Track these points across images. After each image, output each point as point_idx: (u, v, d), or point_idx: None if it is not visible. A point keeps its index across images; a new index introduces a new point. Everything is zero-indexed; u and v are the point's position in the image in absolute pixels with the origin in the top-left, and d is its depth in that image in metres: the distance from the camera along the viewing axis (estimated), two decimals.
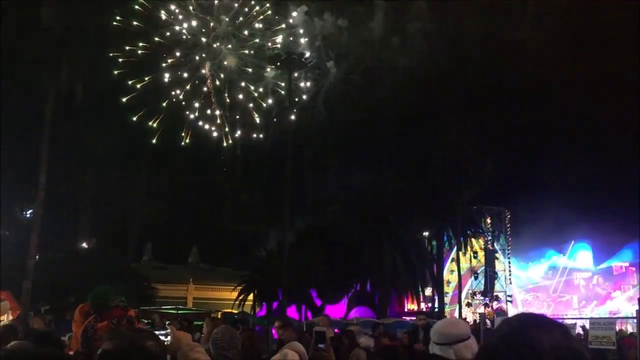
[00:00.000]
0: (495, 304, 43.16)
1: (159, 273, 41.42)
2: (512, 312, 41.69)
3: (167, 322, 20.24)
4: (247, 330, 9.04)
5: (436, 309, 40.57)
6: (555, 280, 49.04)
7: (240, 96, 40.32)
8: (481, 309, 41.47)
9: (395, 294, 39.63)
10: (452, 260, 44.31)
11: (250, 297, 37.92)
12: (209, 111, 40.31)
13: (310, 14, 38.89)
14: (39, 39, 29.17)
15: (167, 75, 38.41)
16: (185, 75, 38.86)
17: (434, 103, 40.97)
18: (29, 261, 27.62)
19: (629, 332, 18.91)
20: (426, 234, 42.51)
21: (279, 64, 34.29)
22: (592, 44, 42.69)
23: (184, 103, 39.44)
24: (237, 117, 40.71)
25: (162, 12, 37.26)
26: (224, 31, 38.38)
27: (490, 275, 44.49)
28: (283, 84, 38.06)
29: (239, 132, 41.07)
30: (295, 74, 36.40)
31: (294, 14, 38.83)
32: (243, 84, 39.97)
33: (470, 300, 44.01)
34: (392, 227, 37.31)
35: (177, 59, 38.23)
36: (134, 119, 38.21)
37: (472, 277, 46.17)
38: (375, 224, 37.06)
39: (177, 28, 37.73)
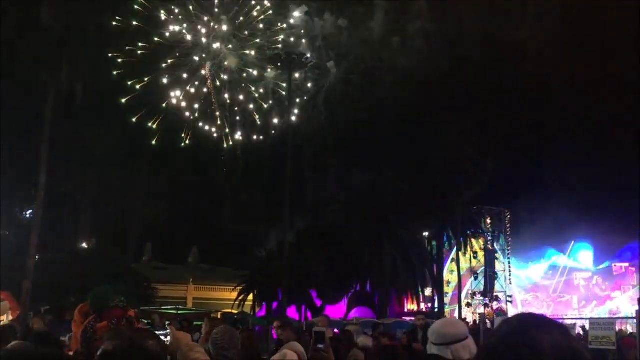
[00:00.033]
0: (495, 305, 43.15)
1: (159, 273, 41.42)
2: (512, 312, 41.68)
3: (167, 323, 20.22)
4: (246, 331, 9.02)
5: (436, 310, 40.55)
6: (555, 280, 49.03)
7: (241, 97, 40.35)
8: (481, 310, 41.45)
9: (395, 294, 39.62)
10: (452, 260, 44.29)
11: (250, 297, 37.92)
12: (209, 112, 40.34)
13: (311, 14, 38.92)
14: (39, 39, 29.17)
15: (167, 76, 38.43)
16: (185, 76, 38.87)
17: (434, 103, 40.99)
18: (28, 261, 27.63)
19: (629, 333, 18.91)
20: (426, 234, 42.51)
21: (279, 64, 34.31)
22: (592, 44, 42.71)
23: (183, 104, 39.45)
24: (238, 117, 40.74)
25: (162, 12, 37.25)
26: (224, 31, 38.38)
27: (490, 276, 44.48)
28: (284, 85, 38.05)
29: (239, 133, 41.10)
30: (297, 75, 36.44)
31: (295, 14, 38.85)
32: (243, 84, 39.99)
33: (470, 301, 43.99)
34: (392, 227, 37.30)
35: (177, 59, 38.24)
36: (133, 120, 38.20)
37: (472, 278, 46.15)
38: (375, 224, 37.05)
39: (177, 29, 37.73)
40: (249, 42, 38.91)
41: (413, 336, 10.60)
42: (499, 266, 46.24)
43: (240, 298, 37.54)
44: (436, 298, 41.78)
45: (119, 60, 36.38)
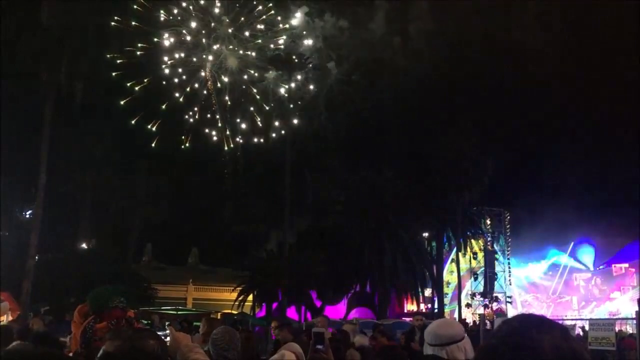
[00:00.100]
0: (494, 305, 43.16)
1: (159, 274, 41.41)
2: (511, 313, 41.66)
3: (167, 323, 20.23)
4: (245, 331, 9.01)
5: (436, 310, 40.54)
6: (555, 281, 49.03)
7: (242, 99, 40.35)
8: (481, 310, 41.45)
9: (395, 295, 39.61)
10: (452, 261, 44.30)
11: (250, 298, 37.91)
12: (209, 113, 40.35)
13: (311, 15, 38.93)
14: (39, 39, 29.18)
15: (166, 77, 38.41)
16: (184, 77, 38.85)
17: (434, 103, 41.01)
18: (28, 262, 27.68)
19: (628, 333, 18.90)
20: (426, 234, 42.51)
21: (279, 64, 34.34)
22: (593, 44, 42.73)
23: (183, 106, 39.46)
24: (238, 119, 40.75)
25: (162, 12, 37.23)
26: (224, 32, 38.38)
27: (490, 276, 44.50)
28: (286, 86, 38.06)
29: (239, 134, 41.10)
30: (299, 77, 36.46)
31: (297, 14, 38.85)
32: (244, 86, 39.99)
33: (469, 301, 44.00)
34: (392, 228, 37.30)
35: (177, 60, 38.23)
36: (133, 122, 38.18)
37: (472, 278, 46.16)
38: (375, 225, 37.06)
39: (176, 29, 37.72)
40: (249, 43, 38.91)
41: (410, 336, 10.59)
42: (498, 267, 46.26)
43: (240, 299, 37.53)
44: (436, 299, 41.77)
45: (118, 61, 36.36)
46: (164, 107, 38.72)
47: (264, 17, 38.46)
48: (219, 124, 40.49)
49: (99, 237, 42.19)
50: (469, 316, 40.59)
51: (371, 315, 35.71)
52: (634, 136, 40.40)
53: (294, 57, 34.09)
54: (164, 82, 38.22)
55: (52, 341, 6.42)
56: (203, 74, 39.27)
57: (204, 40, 38.43)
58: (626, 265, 46.24)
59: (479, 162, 39.59)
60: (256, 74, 39.58)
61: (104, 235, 42.50)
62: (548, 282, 49.60)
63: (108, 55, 34.49)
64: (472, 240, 43.63)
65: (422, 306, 43.32)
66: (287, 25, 38.77)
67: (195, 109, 39.79)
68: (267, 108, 40.47)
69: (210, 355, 4.49)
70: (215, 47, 38.57)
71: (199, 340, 5.96)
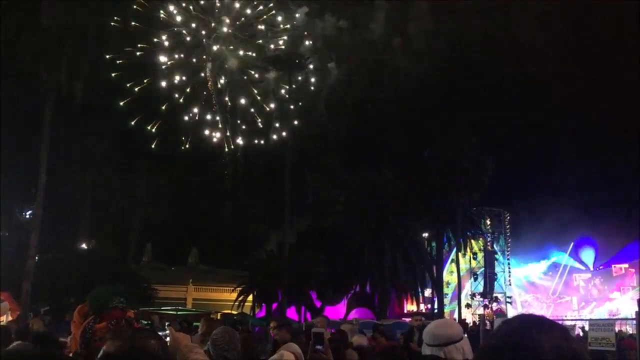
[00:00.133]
0: (494, 305, 43.16)
1: (159, 274, 41.37)
2: (511, 313, 41.67)
3: (167, 323, 20.21)
4: (244, 331, 9.01)
5: (435, 310, 40.53)
6: (555, 281, 49.03)
7: (242, 99, 40.35)
8: (480, 310, 41.45)
9: (395, 295, 39.59)
10: (452, 261, 44.28)
11: (250, 298, 37.90)
12: (209, 113, 40.35)
13: (312, 15, 38.95)
14: (39, 39, 29.17)
15: (166, 78, 38.41)
16: (184, 78, 38.85)
17: (434, 104, 41.01)
18: (28, 262, 27.64)
19: (628, 334, 18.90)
20: (426, 235, 42.50)
21: (279, 65, 34.34)
22: (592, 44, 42.73)
23: (183, 106, 39.46)
24: (238, 121, 40.76)
25: (162, 13, 37.22)
26: (224, 32, 38.37)
27: (490, 277, 44.49)
28: (287, 87, 38.03)
29: (239, 134, 41.11)
30: (300, 78, 36.44)
31: (297, 15, 38.86)
32: (244, 86, 39.99)
33: (469, 302, 43.99)
34: (392, 228, 37.30)
35: (177, 60, 38.22)
36: (132, 123, 38.18)
37: (472, 279, 46.16)
38: (375, 225, 37.05)
39: (176, 29, 37.71)
40: (249, 43, 38.91)
41: (409, 337, 10.60)
42: (498, 267, 46.25)
43: (240, 299, 37.52)
44: (436, 299, 41.75)
45: (118, 62, 36.37)
46: (163, 108, 38.75)
47: (265, 17, 38.50)
48: (220, 125, 40.51)
49: (99, 237, 42.18)
50: (468, 316, 40.58)
51: (371, 315, 35.69)
52: (634, 136, 40.44)
53: (294, 57, 34.06)
54: (163, 84, 38.22)
55: (52, 341, 6.42)
56: (203, 74, 39.28)
57: (204, 40, 38.45)
58: (626, 265, 46.27)
59: (479, 162, 39.59)
60: (257, 75, 39.61)
61: (104, 235, 42.49)
62: (548, 282, 49.61)
63: (107, 56, 34.50)
64: (472, 241, 43.62)
65: (422, 306, 43.31)
66: (288, 26, 38.80)
67: (196, 109, 39.81)
68: (267, 108, 40.51)
69: (210, 356, 4.49)
70: (215, 48, 38.58)
71: (197, 340, 5.96)
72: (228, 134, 40.50)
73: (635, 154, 39.61)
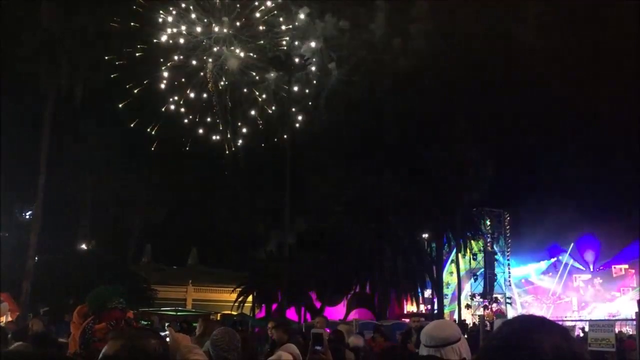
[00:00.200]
0: (494, 306, 43.19)
1: (159, 274, 41.38)
2: (511, 314, 41.70)
3: (166, 324, 20.21)
4: (242, 332, 9.01)
5: (435, 311, 40.53)
6: (555, 281, 49.05)
7: (242, 100, 40.35)
8: (480, 311, 41.46)
9: (394, 296, 39.59)
10: (452, 262, 44.30)
11: (250, 298, 37.89)
12: (209, 114, 40.34)
13: (312, 16, 38.95)
14: (39, 39, 29.18)
15: (166, 79, 38.39)
16: (183, 80, 38.84)
17: (434, 104, 40.98)
18: (28, 262, 27.66)
19: (628, 335, 18.92)
20: (426, 235, 42.51)
21: (279, 65, 34.32)
22: (593, 44, 42.75)
23: (182, 109, 39.43)
24: (239, 122, 40.76)
25: (162, 13, 37.20)
26: (225, 33, 38.37)
27: (490, 277, 44.50)
28: (285, 87, 38.04)
29: (240, 135, 41.11)
30: (300, 78, 36.42)
31: (300, 16, 38.85)
32: (245, 89, 40.00)
33: (469, 302, 44.00)
34: (392, 229, 37.30)
35: (177, 62, 38.21)
36: (132, 125, 38.17)
37: (472, 279, 46.16)
38: (375, 226, 37.05)
39: (175, 30, 37.69)
40: (249, 44, 38.91)
41: (407, 337, 10.61)
42: (498, 268, 46.27)
43: (240, 299, 37.51)
44: (435, 300, 41.76)
45: (117, 63, 36.35)
46: (163, 109, 38.75)
47: (265, 17, 38.50)
48: (220, 125, 40.51)
49: (99, 238, 42.20)
50: (468, 317, 40.61)
51: (371, 316, 35.67)
52: (634, 137, 40.47)
53: (294, 57, 34.05)
54: (162, 85, 38.20)
55: (51, 342, 6.42)
56: (202, 74, 39.28)
57: (204, 41, 38.44)
58: (626, 266, 46.30)
59: (479, 162, 39.61)
60: (257, 77, 39.61)
61: (103, 235, 42.52)
62: (548, 283, 49.62)
63: (107, 57, 34.48)
64: (472, 241, 43.63)
65: (422, 307, 43.32)
66: (290, 26, 38.81)
67: (196, 110, 39.81)
68: (267, 109, 40.51)
69: (210, 356, 4.48)
70: (215, 49, 38.59)
71: (195, 341, 5.96)
72: (228, 134, 40.49)
73: (636, 155, 39.66)
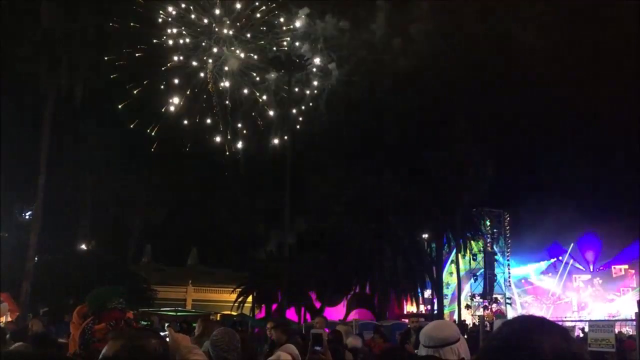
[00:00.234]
0: (494, 306, 43.15)
1: (158, 275, 41.37)
2: (511, 314, 41.68)
3: (166, 324, 20.21)
4: (242, 332, 9.00)
5: (435, 312, 40.53)
6: (555, 282, 49.04)
7: (242, 100, 40.34)
8: (480, 311, 41.45)
9: (394, 296, 39.58)
10: (452, 262, 44.29)
11: (250, 299, 37.88)
12: (210, 114, 40.34)
13: (312, 16, 38.96)
14: (39, 39, 29.18)
15: (166, 79, 38.40)
16: (183, 81, 38.83)
17: (434, 104, 41.01)
18: (28, 263, 27.64)
19: (628, 335, 18.93)
20: (426, 236, 42.50)
21: (279, 66, 34.33)
22: (593, 43, 42.75)
23: (184, 108, 39.43)
24: (239, 123, 40.75)
25: (162, 14, 37.20)
26: (225, 34, 38.37)
27: (490, 278, 44.48)
28: (286, 87, 38.05)
29: (240, 135, 41.12)
30: (300, 79, 36.41)
31: (301, 17, 38.85)
32: (245, 90, 39.98)
33: (469, 303, 43.98)
34: (392, 229, 37.28)
35: (177, 62, 38.20)
36: (132, 126, 38.16)
37: (472, 280, 46.14)
38: (375, 226, 37.04)
39: (175, 31, 37.68)
40: (250, 44, 38.91)
41: (405, 338, 10.61)
42: (498, 268, 46.25)
43: (240, 300, 37.50)
44: (435, 300, 41.75)
45: (117, 63, 36.34)
46: (163, 110, 38.75)
47: (266, 17, 38.51)
48: (220, 126, 40.51)
49: (99, 238, 42.19)
50: (468, 317, 40.60)
51: (371, 316, 35.65)
52: (634, 137, 40.47)
53: (294, 58, 34.07)
54: (162, 86, 38.21)
55: (51, 342, 6.42)
56: (203, 74, 39.28)
57: (204, 42, 38.44)
58: (626, 266, 46.27)
59: (479, 163, 39.61)
60: (258, 78, 39.60)
61: (103, 236, 42.50)
62: (548, 283, 49.61)
63: (106, 58, 34.49)
64: (472, 242, 43.62)
65: (422, 307, 43.30)
66: (291, 26, 38.81)
67: (196, 110, 39.81)
68: (267, 109, 40.51)
69: (210, 357, 4.49)
70: (215, 50, 38.59)
71: (193, 341, 5.97)
72: (228, 134, 40.49)
73: (636, 156, 39.65)
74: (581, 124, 44.90)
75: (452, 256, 43.79)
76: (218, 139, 40.83)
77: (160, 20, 37.37)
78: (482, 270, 45.01)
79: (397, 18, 39.85)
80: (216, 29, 38.04)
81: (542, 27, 40.74)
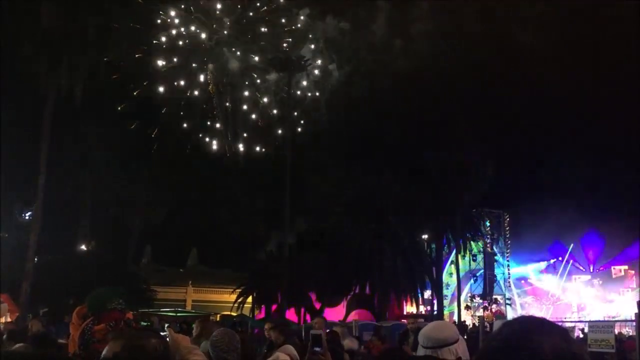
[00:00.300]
0: (494, 307, 43.15)
1: (158, 275, 41.37)
2: (511, 315, 41.67)
3: (166, 325, 20.19)
4: (241, 333, 9.00)
5: (435, 312, 40.52)
6: (555, 282, 49.03)
7: (242, 100, 40.35)
8: (480, 312, 41.43)
9: (394, 297, 39.58)
10: (451, 262, 44.28)
11: (250, 299, 37.87)
12: (210, 114, 40.35)
13: (313, 17, 38.98)
14: (39, 39, 29.18)
15: (167, 79, 38.39)
16: (182, 83, 38.83)
17: (435, 104, 41.04)
18: (27, 263, 27.62)
19: (628, 335, 18.93)
20: (425, 236, 42.51)
21: (279, 67, 34.36)
22: (593, 44, 42.76)
23: (184, 108, 39.44)
24: (239, 124, 40.74)
25: (162, 15, 37.20)
26: (225, 34, 38.38)
27: (489, 278, 44.47)
28: (286, 88, 38.06)
29: (240, 136, 41.11)
30: (303, 81, 36.44)
31: (301, 17, 38.89)
32: (245, 92, 39.99)
33: (469, 303, 43.97)
34: (392, 230, 37.28)
35: (177, 63, 38.20)
36: (132, 127, 38.16)
37: (471, 280, 46.13)
38: (375, 226, 37.04)
39: (175, 32, 37.68)
40: (250, 45, 38.92)
41: (403, 339, 10.62)
42: (498, 269, 46.24)
43: (240, 300, 37.50)
44: (435, 300, 41.75)
45: (117, 63, 36.32)
46: (163, 111, 38.77)
47: (266, 18, 38.52)
48: (220, 127, 40.52)
49: (99, 239, 42.16)
50: (468, 318, 40.59)
51: (370, 317, 35.64)
52: (634, 137, 40.47)
53: (294, 59, 34.10)
54: (161, 88, 38.19)
55: (51, 342, 6.42)
56: (203, 76, 39.29)
57: (203, 44, 38.44)
58: (625, 267, 46.27)
59: (479, 163, 39.62)
60: (258, 80, 39.61)
61: (103, 236, 42.48)
62: (547, 283, 49.60)
63: (106, 59, 34.47)
64: (472, 242, 43.62)
65: (422, 308, 43.29)
66: (293, 27, 38.83)
67: (196, 110, 39.81)
68: (267, 110, 40.51)
69: (210, 357, 4.48)
70: (216, 50, 38.60)
71: (191, 342, 5.97)
72: (229, 137, 40.50)
73: (636, 157, 39.65)
74: (581, 124, 44.92)
75: (452, 257, 43.78)
76: (218, 136, 40.83)
77: (160, 20, 37.36)
78: (482, 270, 45.00)
79: (397, 18, 39.89)
80: (216, 30, 38.05)
81: (542, 27, 40.77)
